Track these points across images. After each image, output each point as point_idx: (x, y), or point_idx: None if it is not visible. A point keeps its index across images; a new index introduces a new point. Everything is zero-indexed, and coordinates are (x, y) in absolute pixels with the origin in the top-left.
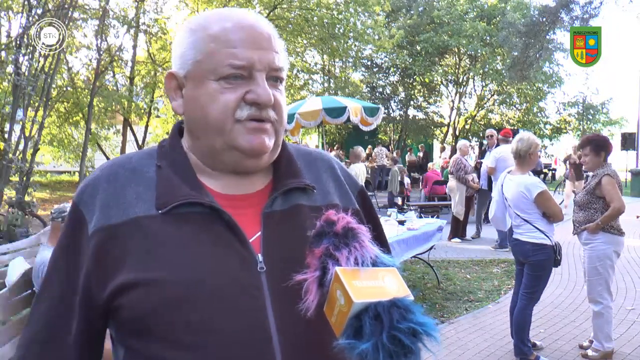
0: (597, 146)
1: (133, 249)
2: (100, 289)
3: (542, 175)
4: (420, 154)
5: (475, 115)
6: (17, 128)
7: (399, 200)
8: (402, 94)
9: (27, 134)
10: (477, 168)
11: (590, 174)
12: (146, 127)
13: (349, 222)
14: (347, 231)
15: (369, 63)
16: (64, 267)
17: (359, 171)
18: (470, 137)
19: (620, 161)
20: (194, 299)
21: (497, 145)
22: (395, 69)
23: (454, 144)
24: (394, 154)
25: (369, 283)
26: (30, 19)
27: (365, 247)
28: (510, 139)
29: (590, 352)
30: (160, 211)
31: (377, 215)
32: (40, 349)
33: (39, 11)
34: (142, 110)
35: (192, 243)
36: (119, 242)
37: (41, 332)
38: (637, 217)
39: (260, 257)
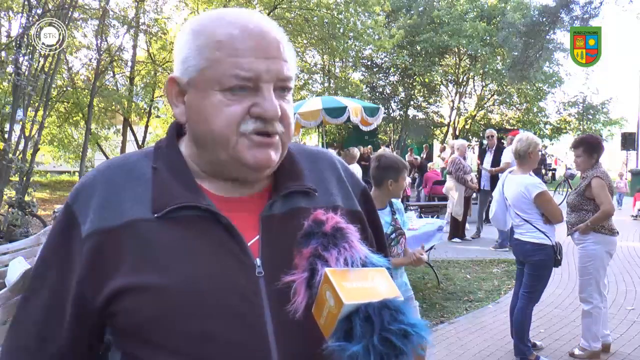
0: (590, 148)
1: (128, 254)
2: (95, 294)
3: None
4: (424, 155)
5: (475, 115)
6: (17, 128)
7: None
8: (402, 94)
9: (27, 134)
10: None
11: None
12: (146, 127)
13: (338, 222)
14: (336, 231)
15: (369, 63)
16: (55, 271)
17: (357, 173)
18: (470, 137)
19: (620, 161)
20: (192, 306)
21: (498, 146)
22: (395, 69)
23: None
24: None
25: (359, 284)
26: (30, 19)
27: (355, 247)
28: None
29: (577, 351)
30: (156, 215)
31: (379, 217)
32: (29, 357)
33: (39, 11)
34: (142, 110)
35: (189, 247)
36: (114, 246)
37: (29, 339)
38: (637, 217)
39: (258, 261)
